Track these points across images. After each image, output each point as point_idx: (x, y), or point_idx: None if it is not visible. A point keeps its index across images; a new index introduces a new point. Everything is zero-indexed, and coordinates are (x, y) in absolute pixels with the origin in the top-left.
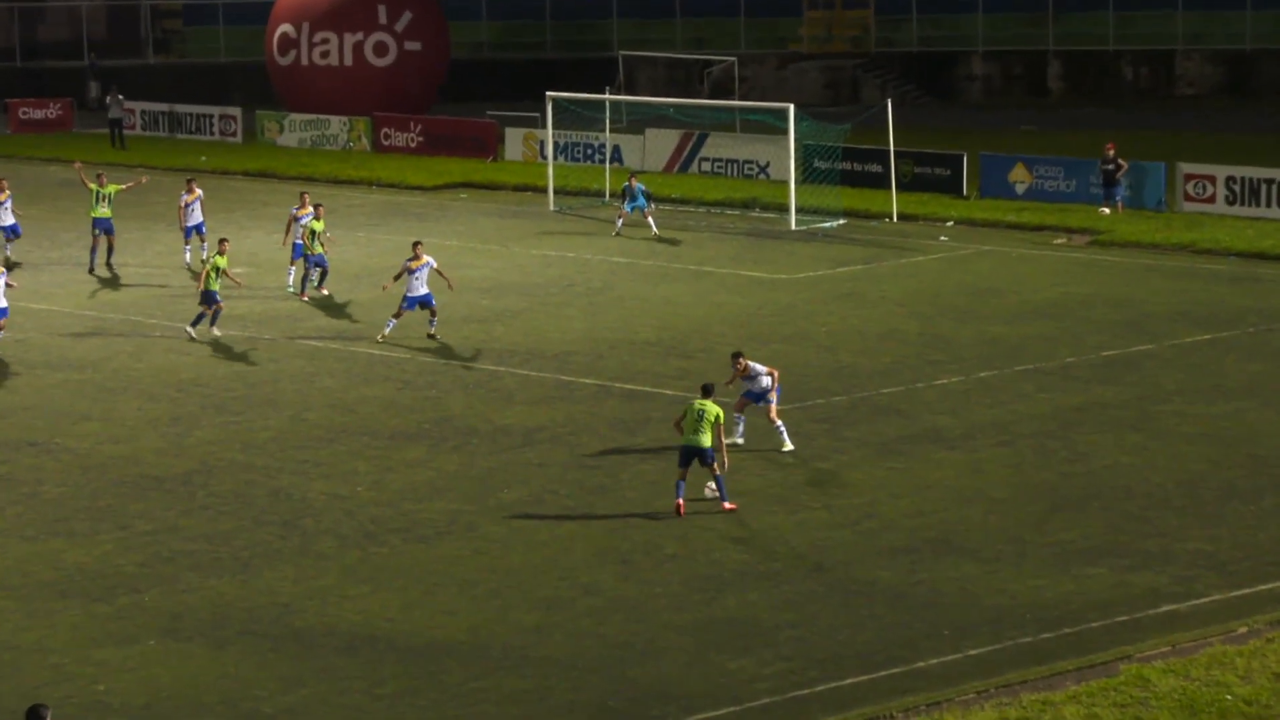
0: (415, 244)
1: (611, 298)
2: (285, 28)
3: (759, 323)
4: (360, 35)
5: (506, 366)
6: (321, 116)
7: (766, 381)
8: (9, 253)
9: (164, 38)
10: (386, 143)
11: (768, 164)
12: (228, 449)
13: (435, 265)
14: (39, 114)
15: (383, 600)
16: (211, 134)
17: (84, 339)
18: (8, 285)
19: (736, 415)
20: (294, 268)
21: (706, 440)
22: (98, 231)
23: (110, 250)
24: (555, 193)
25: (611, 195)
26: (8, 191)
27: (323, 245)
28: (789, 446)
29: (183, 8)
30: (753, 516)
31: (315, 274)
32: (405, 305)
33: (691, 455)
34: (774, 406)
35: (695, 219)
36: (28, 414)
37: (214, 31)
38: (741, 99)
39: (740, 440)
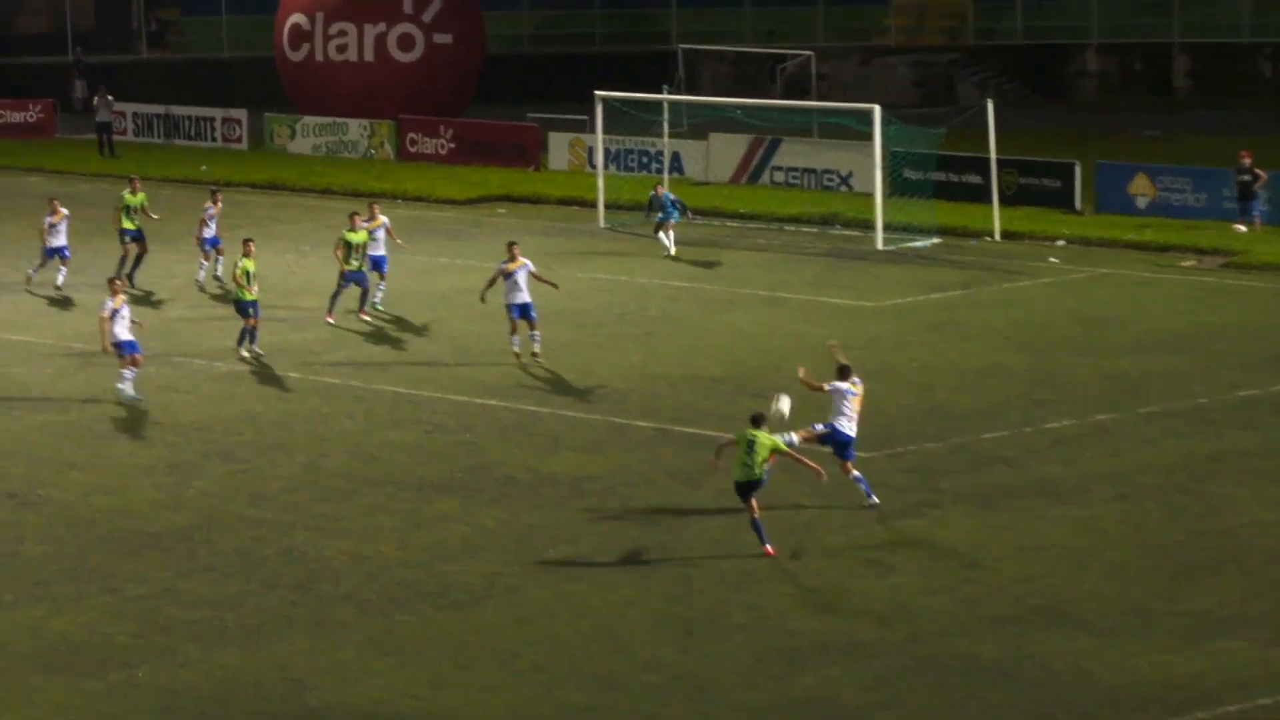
0: (510, 244)
1: (671, 327)
2: (297, 18)
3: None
4: (383, 27)
5: (551, 407)
6: (339, 120)
7: (850, 429)
8: (60, 281)
9: (159, 30)
10: (413, 150)
11: (850, 174)
12: (233, 501)
13: (533, 268)
14: (16, 117)
15: (410, 676)
16: (213, 140)
17: (69, 375)
18: (133, 322)
19: (786, 437)
20: (378, 285)
21: (760, 471)
22: (128, 240)
23: (138, 261)
24: (606, 207)
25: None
26: (62, 213)
27: (358, 261)
28: (873, 500)
29: None
30: (835, 580)
31: (350, 290)
32: (513, 315)
33: (748, 490)
34: (851, 462)
35: (767, 237)
36: (5, 461)
37: (216, 23)
38: (820, 99)
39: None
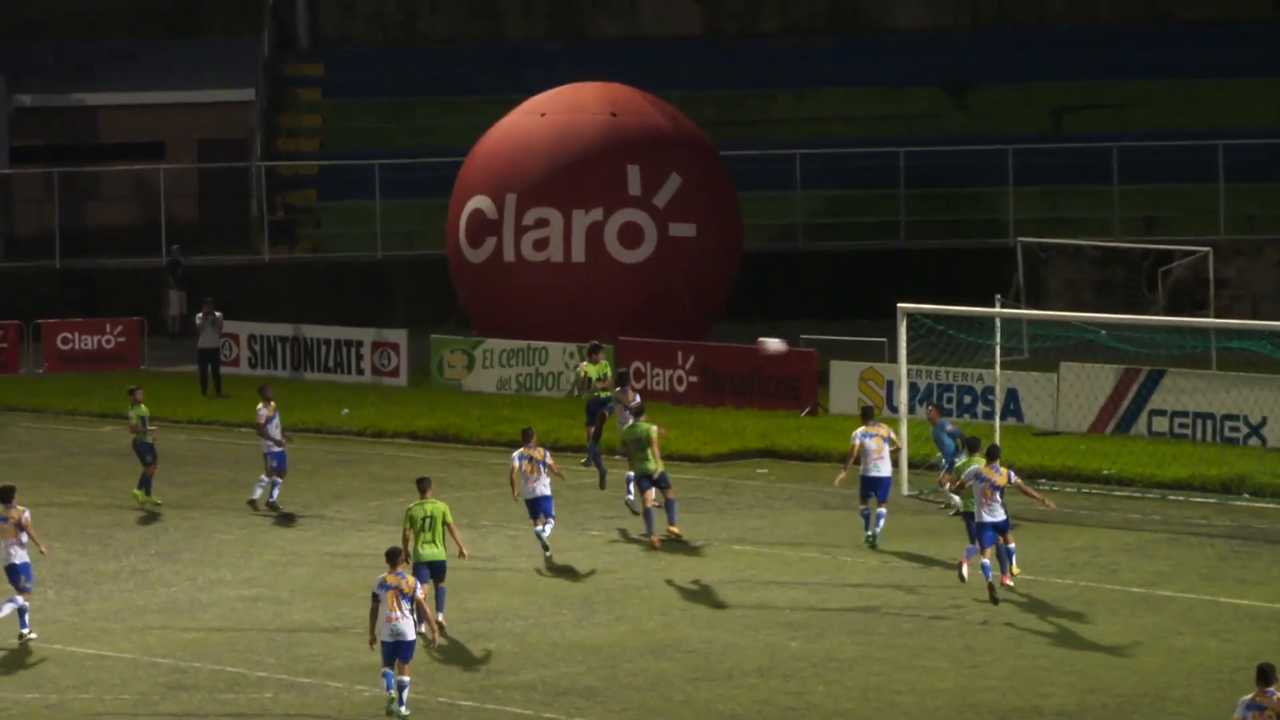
0: (993, 450)
1: (1003, 639)
2: (479, 202)
3: (1253, 682)
4: (598, 214)
5: None
6: (534, 344)
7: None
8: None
9: (287, 221)
10: (639, 385)
11: (1263, 421)
12: None
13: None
14: (88, 342)
15: None
16: (359, 372)
17: (152, 702)
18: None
19: None
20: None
21: None
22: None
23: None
24: (911, 466)
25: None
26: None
27: None
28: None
29: (318, 171)
30: None
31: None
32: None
33: None
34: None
35: (1141, 510)
36: None
37: (365, 209)
38: (1220, 314)
39: None
